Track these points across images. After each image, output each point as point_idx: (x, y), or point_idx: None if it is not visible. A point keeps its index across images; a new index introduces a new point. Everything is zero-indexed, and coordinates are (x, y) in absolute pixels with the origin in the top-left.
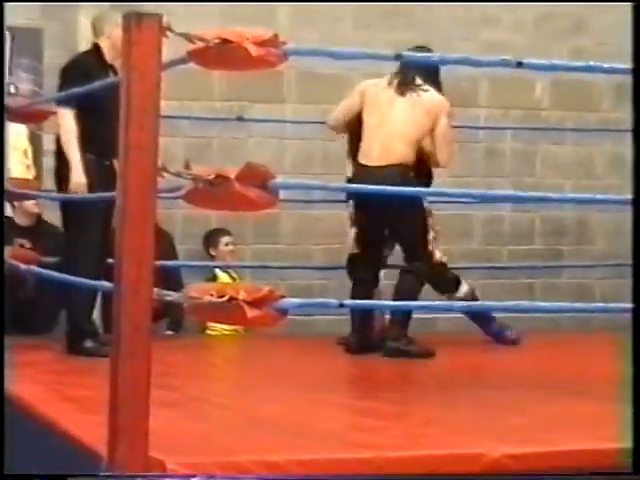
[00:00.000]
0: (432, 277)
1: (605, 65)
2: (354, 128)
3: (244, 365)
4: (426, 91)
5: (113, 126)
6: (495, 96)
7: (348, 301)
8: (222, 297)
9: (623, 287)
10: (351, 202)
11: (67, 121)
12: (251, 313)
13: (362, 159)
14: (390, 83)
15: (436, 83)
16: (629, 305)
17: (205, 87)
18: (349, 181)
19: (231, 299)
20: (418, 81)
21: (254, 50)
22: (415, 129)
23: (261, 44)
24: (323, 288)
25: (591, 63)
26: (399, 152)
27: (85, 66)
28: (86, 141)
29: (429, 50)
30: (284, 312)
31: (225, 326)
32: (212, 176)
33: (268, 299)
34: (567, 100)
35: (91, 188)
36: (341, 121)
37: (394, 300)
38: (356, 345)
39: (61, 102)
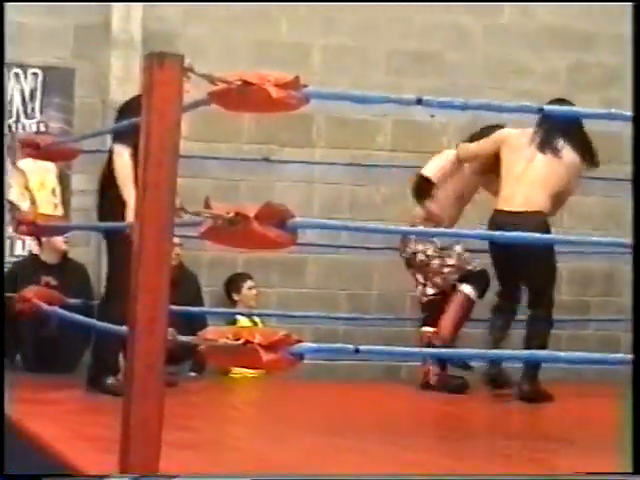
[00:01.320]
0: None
1: (627, 113)
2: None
3: (263, 408)
4: (566, 149)
5: None
6: None
7: (364, 347)
8: (238, 340)
9: None
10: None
11: (124, 159)
12: (266, 357)
13: (503, 205)
14: (533, 140)
15: (576, 138)
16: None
17: (234, 129)
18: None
19: (246, 342)
20: (559, 142)
21: (275, 92)
22: (555, 182)
23: (282, 86)
24: (347, 333)
25: (612, 110)
26: (539, 200)
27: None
28: None
29: (570, 103)
30: (300, 356)
31: (246, 369)
32: (231, 214)
33: (284, 343)
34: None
35: None
36: (473, 155)
37: (526, 347)
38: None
39: (117, 139)
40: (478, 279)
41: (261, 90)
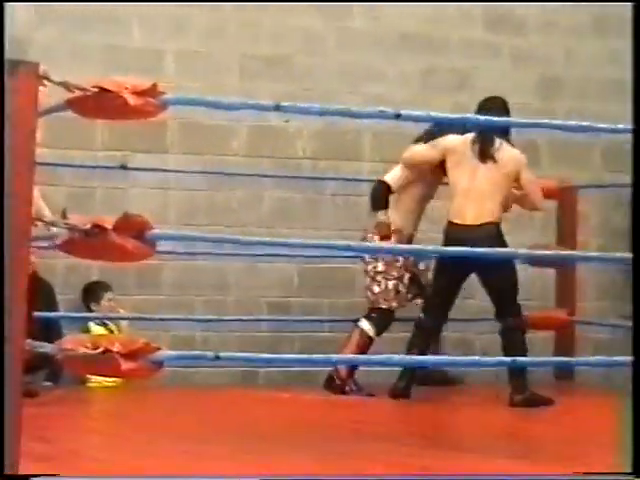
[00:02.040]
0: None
1: (481, 117)
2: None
3: (120, 417)
4: (503, 152)
5: None
6: (378, 150)
7: (224, 353)
8: (97, 349)
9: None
10: (367, 257)
11: None
12: (125, 365)
13: (455, 218)
14: (473, 150)
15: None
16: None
17: (88, 136)
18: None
19: (106, 351)
20: (496, 144)
21: (132, 99)
22: (500, 190)
23: (140, 94)
24: (205, 340)
25: (469, 115)
26: (488, 211)
27: None
28: None
29: (504, 102)
30: (160, 364)
31: (105, 378)
32: (88, 226)
33: (143, 351)
34: None
35: None
36: (414, 162)
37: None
38: (402, 391)
39: None
40: (379, 317)
41: (118, 98)
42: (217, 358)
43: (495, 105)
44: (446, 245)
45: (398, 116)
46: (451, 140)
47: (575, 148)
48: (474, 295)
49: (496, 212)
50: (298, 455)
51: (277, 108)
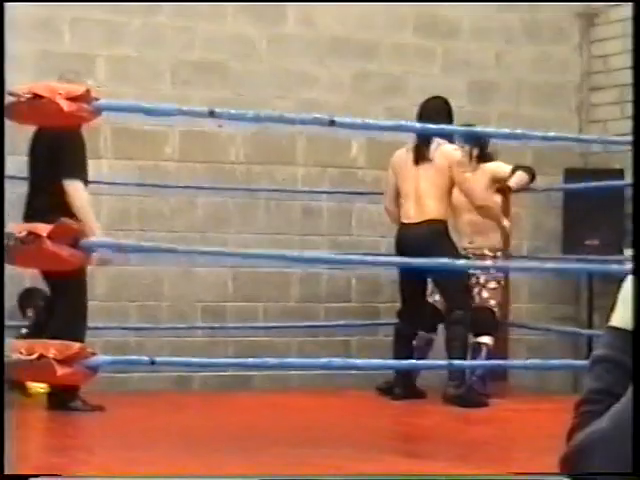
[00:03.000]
0: (475, 320)
1: (416, 125)
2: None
3: (55, 424)
4: (439, 151)
5: None
6: (312, 154)
7: (160, 358)
8: (31, 354)
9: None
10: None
11: (85, 195)
12: (61, 371)
13: (403, 219)
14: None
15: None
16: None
17: (18, 141)
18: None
19: (41, 357)
20: (433, 145)
21: (66, 105)
22: (437, 187)
23: (73, 99)
24: (139, 345)
25: (403, 122)
26: (430, 210)
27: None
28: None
29: (446, 102)
30: (95, 369)
31: (39, 384)
32: (23, 233)
33: (79, 356)
34: (383, 159)
35: None
36: (392, 200)
37: (448, 350)
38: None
39: (74, 175)
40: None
41: (52, 103)
42: (152, 363)
43: (436, 106)
44: (396, 244)
45: (332, 122)
46: (395, 155)
47: (507, 151)
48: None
49: (439, 210)
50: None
51: (211, 114)
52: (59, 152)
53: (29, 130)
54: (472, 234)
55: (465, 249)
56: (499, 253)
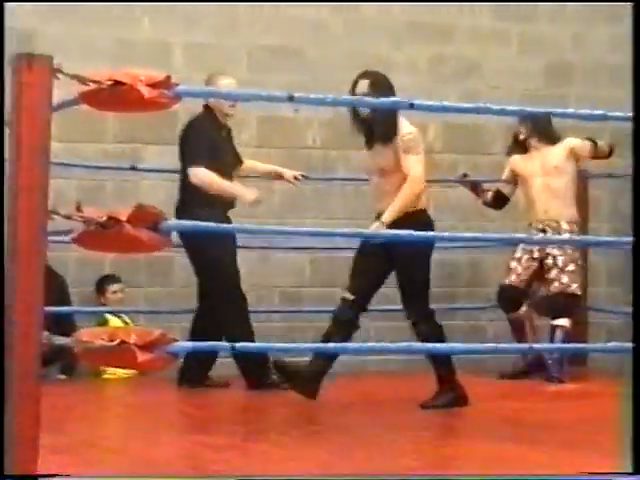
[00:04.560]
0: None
1: (495, 107)
2: None
3: (135, 408)
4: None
5: None
6: None
7: (240, 344)
8: (113, 341)
9: None
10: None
11: (209, 174)
12: (142, 357)
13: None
14: None
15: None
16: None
17: (98, 129)
18: None
19: (122, 343)
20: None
21: (147, 92)
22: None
23: (154, 86)
24: None
25: (481, 104)
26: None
27: (204, 126)
28: (209, 197)
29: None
30: (175, 355)
31: (120, 369)
32: (104, 218)
33: (159, 343)
34: (459, 143)
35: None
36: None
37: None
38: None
39: (194, 162)
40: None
41: (133, 90)
42: (233, 349)
43: (383, 83)
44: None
45: (412, 105)
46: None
47: (584, 134)
48: (486, 282)
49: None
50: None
51: (290, 99)
52: (182, 145)
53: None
54: (548, 200)
55: (539, 221)
56: (576, 227)
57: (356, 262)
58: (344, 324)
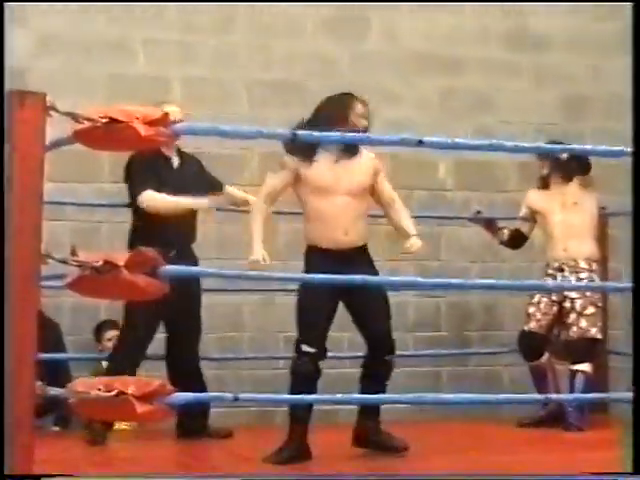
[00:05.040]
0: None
1: (509, 143)
2: None
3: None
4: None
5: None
6: (398, 176)
7: (244, 394)
8: (110, 392)
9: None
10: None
11: (158, 198)
12: (141, 408)
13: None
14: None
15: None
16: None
17: (93, 168)
18: None
19: (120, 393)
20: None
21: (143, 130)
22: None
23: (150, 123)
24: (218, 379)
25: (494, 141)
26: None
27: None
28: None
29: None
30: (175, 406)
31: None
32: (100, 263)
33: (159, 393)
34: (472, 180)
35: None
36: None
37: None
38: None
39: (144, 187)
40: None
41: (129, 128)
42: (236, 399)
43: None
44: None
45: (421, 142)
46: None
47: (603, 170)
48: (502, 325)
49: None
50: None
51: (294, 136)
52: (126, 177)
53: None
54: (566, 238)
55: (556, 260)
56: (595, 265)
57: (310, 308)
58: (306, 376)
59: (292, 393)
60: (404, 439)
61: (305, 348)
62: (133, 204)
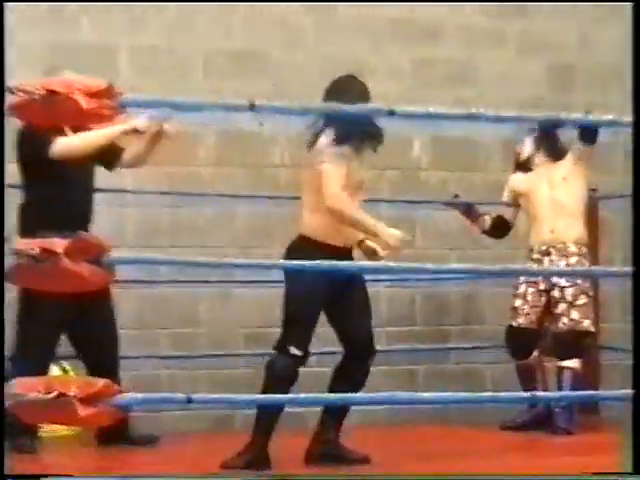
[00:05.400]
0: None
1: (490, 113)
2: None
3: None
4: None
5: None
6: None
7: (197, 395)
8: (50, 393)
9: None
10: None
11: (72, 139)
12: (84, 411)
13: None
14: None
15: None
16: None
17: None
18: None
19: (60, 395)
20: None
21: (85, 102)
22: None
23: (94, 95)
24: (170, 379)
25: (473, 111)
26: (303, 222)
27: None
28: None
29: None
30: (124, 409)
31: (59, 425)
32: (37, 250)
33: (104, 394)
34: (449, 159)
35: None
36: None
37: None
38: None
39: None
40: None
41: (69, 100)
42: (189, 401)
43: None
44: None
45: (392, 113)
46: None
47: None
48: (483, 319)
49: (311, 224)
50: None
51: (252, 107)
52: (20, 145)
53: None
54: (554, 218)
55: (543, 243)
56: (584, 249)
57: (303, 308)
58: (288, 380)
59: (266, 392)
60: (366, 453)
61: (293, 350)
62: (27, 178)
